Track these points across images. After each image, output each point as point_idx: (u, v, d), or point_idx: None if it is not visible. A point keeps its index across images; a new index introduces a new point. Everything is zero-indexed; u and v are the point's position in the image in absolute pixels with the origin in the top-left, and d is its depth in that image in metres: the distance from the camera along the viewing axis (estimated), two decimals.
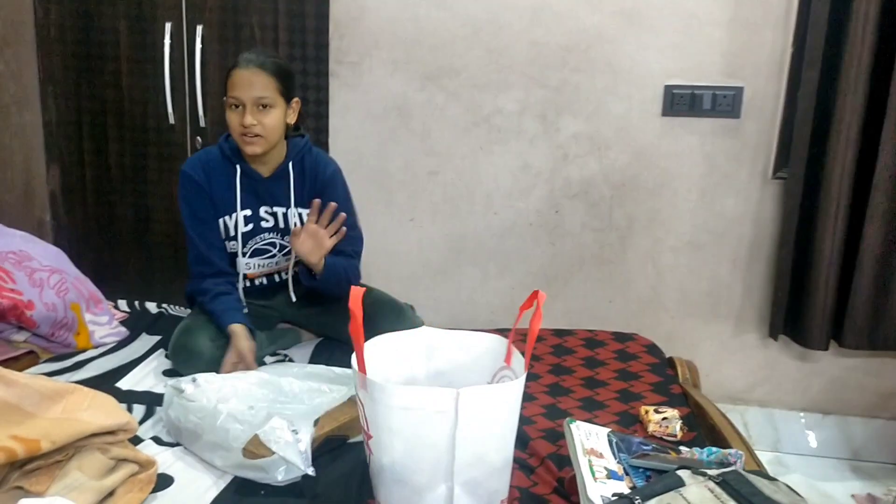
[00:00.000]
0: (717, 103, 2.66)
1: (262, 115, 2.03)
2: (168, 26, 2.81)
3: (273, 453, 1.56)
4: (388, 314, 2.14)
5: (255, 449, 1.59)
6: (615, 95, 2.72)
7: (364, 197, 2.89)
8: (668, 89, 2.68)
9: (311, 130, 2.85)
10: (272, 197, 2.17)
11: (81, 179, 3.03)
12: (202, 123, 2.87)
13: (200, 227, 2.14)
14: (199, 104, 2.84)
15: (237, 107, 2.03)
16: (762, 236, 2.76)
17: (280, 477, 1.57)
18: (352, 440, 1.73)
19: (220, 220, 2.16)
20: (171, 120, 2.89)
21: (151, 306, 2.53)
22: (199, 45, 2.80)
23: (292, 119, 2.13)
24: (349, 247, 2.18)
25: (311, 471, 1.56)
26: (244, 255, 2.18)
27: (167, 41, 2.81)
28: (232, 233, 2.16)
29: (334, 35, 2.79)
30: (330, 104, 2.84)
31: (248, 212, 2.16)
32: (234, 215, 2.15)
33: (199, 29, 2.79)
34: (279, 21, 2.78)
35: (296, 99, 2.12)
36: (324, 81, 2.82)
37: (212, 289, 2.12)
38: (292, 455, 1.56)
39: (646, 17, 2.65)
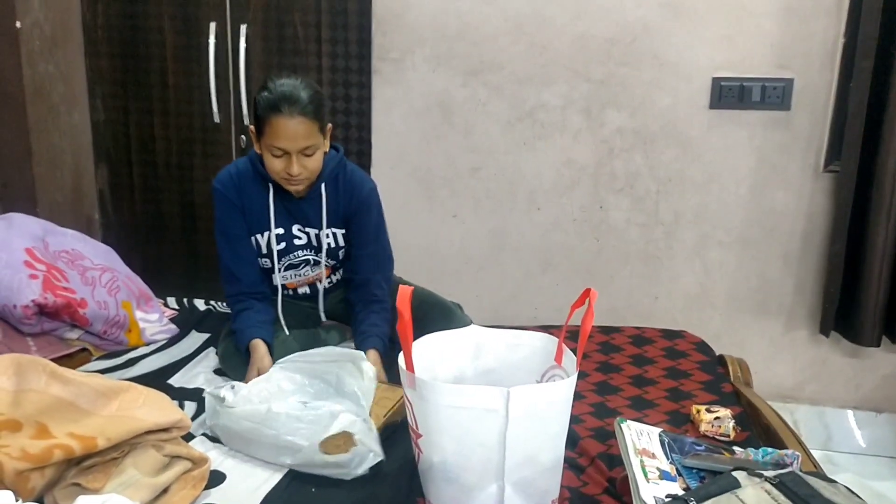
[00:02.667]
0: (767, 95, 2.60)
1: (308, 160, 1.95)
2: (213, 26, 2.83)
3: (351, 447, 1.59)
4: (436, 315, 2.10)
5: (333, 447, 1.60)
6: (661, 88, 2.68)
7: (406, 194, 2.90)
8: (716, 82, 2.63)
9: (353, 128, 2.87)
10: (305, 217, 2.11)
11: (129, 178, 3.08)
12: (246, 122, 2.89)
13: (231, 243, 2.11)
14: (243, 103, 2.87)
15: (280, 155, 1.93)
16: (813, 231, 2.70)
17: (360, 470, 1.59)
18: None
19: (253, 238, 2.11)
20: (217, 119, 2.91)
21: (200, 303, 2.55)
22: (243, 45, 2.82)
23: (326, 146, 2.02)
24: (380, 272, 2.16)
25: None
26: (278, 270, 2.15)
27: (212, 41, 2.84)
28: (264, 251, 2.11)
29: (377, 32, 2.79)
30: (372, 101, 2.84)
31: (281, 230, 2.10)
32: (266, 234, 2.09)
33: (244, 28, 2.82)
34: (322, 19, 2.79)
35: (329, 126, 2.02)
36: (366, 78, 2.82)
37: (234, 306, 2.12)
38: (374, 444, 1.60)
39: (693, 8, 2.60)
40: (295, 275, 2.18)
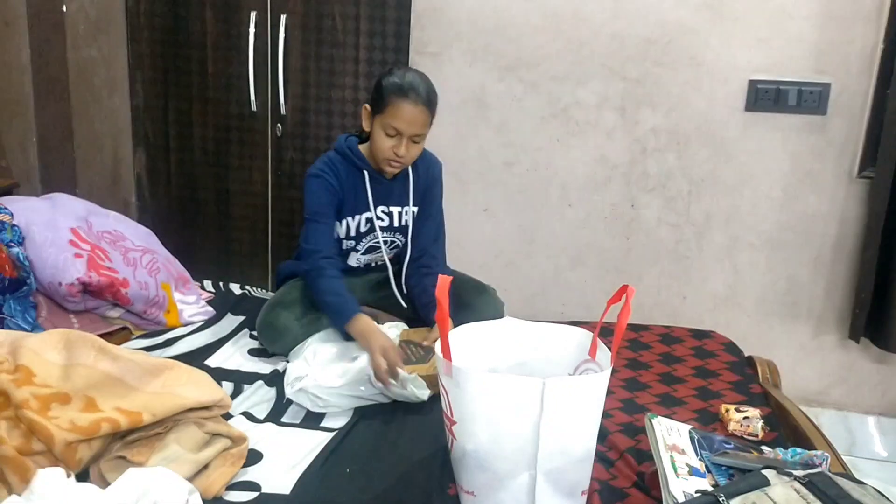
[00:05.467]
0: (803, 99, 2.60)
1: (413, 147, 2.10)
2: (253, 15, 2.87)
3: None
4: (469, 290, 2.24)
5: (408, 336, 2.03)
6: (697, 89, 2.69)
7: None
8: (753, 84, 2.64)
9: None
10: (391, 198, 2.23)
11: (166, 163, 3.12)
12: (283, 111, 2.93)
13: (321, 219, 2.17)
14: (280, 92, 2.91)
15: (394, 135, 2.07)
16: (845, 236, 2.70)
17: None
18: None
19: (344, 221, 2.21)
20: (254, 107, 2.95)
21: (235, 287, 2.60)
22: (282, 35, 2.86)
23: None
24: (435, 245, 2.29)
25: None
26: (357, 251, 2.27)
27: (252, 30, 2.87)
28: (353, 233, 2.23)
29: (415, 26, 2.81)
30: None
31: (368, 213, 2.22)
32: (357, 217, 2.21)
33: (283, 18, 2.85)
34: (360, 11, 2.82)
35: None
36: None
37: (318, 262, 2.13)
38: None
39: (731, 10, 2.61)
40: (371, 261, 2.31)
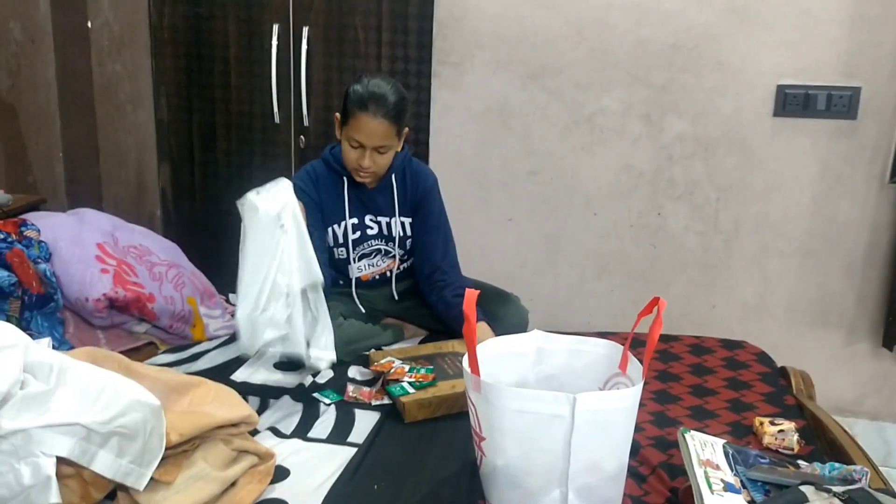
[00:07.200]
0: (833, 104, 2.56)
1: (379, 157, 2.10)
2: (276, 28, 2.88)
3: None
4: (493, 298, 2.23)
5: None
6: (724, 95, 2.65)
7: (463, 196, 2.91)
8: (781, 89, 2.60)
9: (411, 130, 2.88)
10: (377, 207, 2.24)
11: (190, 176, 3.14)
12: (306, 123, 2.94)
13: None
14: (303, 104, 2.91)
15: (357, 147, 2.07)
16: (877, 243, 2.65)
17: None
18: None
19: (329, 229, 2.22)
20: (277, 119, 2.96)
21: None
22: (304, 46, 2.86)
23: (400, 146, 2.17)
24: (446, 259, 2.27)
25: None
26: (353, 260, 2.26)
27: (274, 42, 2.88)
28: (341, 240, 2.24)
29: (437, 36, 2.80)
30: (431, 104, 2.86)
31: (355, 220, 2.23)
32: (342, 224, 2.22)
33: (306, 30, 2.85)
34: (382, 22, 2.82)
35: (406, 129, 2.15)
36: (425, 82, 2.84)
37: None
38: None
39: (758, 14, 2.57)
40: (368, 265, 2.29)
